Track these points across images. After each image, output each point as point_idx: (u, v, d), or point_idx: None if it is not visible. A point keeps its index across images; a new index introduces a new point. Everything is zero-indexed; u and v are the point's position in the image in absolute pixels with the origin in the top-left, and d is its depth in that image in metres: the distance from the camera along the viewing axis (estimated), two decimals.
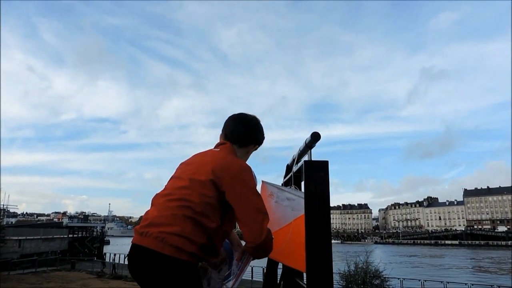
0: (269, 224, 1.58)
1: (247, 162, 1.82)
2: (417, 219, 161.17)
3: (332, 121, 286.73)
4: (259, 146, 1.88)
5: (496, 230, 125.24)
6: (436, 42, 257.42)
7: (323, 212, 1.56)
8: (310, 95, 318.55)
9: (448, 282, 19.03)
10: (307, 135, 1.82)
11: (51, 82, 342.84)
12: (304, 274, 1.67)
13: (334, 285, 1.56)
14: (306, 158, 1.89)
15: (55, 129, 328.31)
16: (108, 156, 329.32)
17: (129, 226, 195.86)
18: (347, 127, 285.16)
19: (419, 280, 19.11)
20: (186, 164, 1.72)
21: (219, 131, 1.87)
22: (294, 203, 1.93)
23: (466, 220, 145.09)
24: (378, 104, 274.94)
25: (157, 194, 1.65)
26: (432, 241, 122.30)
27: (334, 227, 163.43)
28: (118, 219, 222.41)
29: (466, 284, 19.25)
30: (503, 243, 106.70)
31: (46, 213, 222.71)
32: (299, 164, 2.01)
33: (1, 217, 39.76)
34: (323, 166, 1.62)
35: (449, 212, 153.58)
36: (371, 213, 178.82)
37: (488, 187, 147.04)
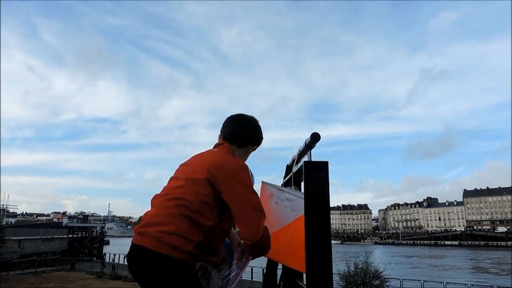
0: (269, 225, 1.58)
1: (246, 162, 1.83)
2: (416, 219, 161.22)
3: (332, 121, 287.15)
4: (257, 146, 1.88)
5: (495, 231, 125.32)
6: (436, 42, 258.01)
7: (323, 212, 1.57)
8: (310, 95, 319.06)
9: (448, 283, 19.06)
10: (307, 135, 1.83)
11: (51, 82, 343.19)
12: (304, 275, 1.67)
13: (334, 286, 1.56)
14: (306, 158, 1.89)
15: (55, 129, 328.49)
16: (108, 156, 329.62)
17: (128, 226, 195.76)
18: (347, 127, 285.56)
19: (419, 280, 19.14)
20: (185, 165, 1.73)
21: (219, 131, 1.87)
22: (294, 203, 1.93)
23: (466, 220, 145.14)
24: (378, 104, 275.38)
25: (156, 195, 1.67)
26: (432, 242, 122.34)
27: (334, 227, 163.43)
28: (117, 219, 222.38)
29: (466, 284, 19.27)
30: (503, 243, 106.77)
31: (45, 213, 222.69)
32: (299, 164, 2.01)
33: (1, 217, 39.69)
34: (323, 166, 1.63)
35: (448, 213, 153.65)
36: (370, 213, 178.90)
37: (487, 187, 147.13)
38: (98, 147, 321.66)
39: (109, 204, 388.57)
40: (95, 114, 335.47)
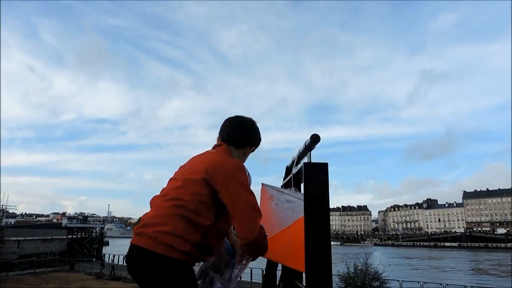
0: (270, 227, 1.59)
1: (246, 163, 1.84)
2: (416, 221, 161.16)
3: (332, 122, 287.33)
4: (255, 148, 1.90)
5: (495, 232, 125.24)
6: (436, 43, 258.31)
7: (322, 213, 1.57)
8: (310, 96, 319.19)
9: (447, 284, 19.02)
10: (307, 137, 1.83)
11: (51, 82, 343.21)
12: (304, 276, 1.67)
13: (333, 287, 1.56)
14: (305, 160, 1.89)
15: (54, 129, 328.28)
16: (108, 157, 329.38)
17: (128, 227, 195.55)
18: (347, 128, 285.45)
19: (418, 282, 19.07)
20: (183, 167, 1.75)
21: (218, 132, 1.88)
22: (294, 205, 1.93)
23: (466, 222, 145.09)
24: (378, 105, 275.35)
25: (154, 196, 1.69)
26: (432, 243, 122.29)
27: (334, 228, 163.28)
28: (117, 220, 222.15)
29: (465, 286, 19.25)
30: (502, 245, 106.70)
31: (45, 214, 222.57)
32: (299, 166, 2.02)
33: (0, 218, 39.71)
34: (322, 168, 1.63)
35: (448, 214, 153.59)
36: (370, 215, 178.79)
37: (487, 189, 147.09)
38: (98, 148, 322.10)
39: (108, 205, 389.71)
40: (95, 114, 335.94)
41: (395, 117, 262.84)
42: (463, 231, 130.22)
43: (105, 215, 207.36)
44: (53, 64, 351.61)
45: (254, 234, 1.52)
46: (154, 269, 1.47)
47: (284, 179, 2.38)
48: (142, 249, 1.50)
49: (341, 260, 18.56)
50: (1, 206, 42.46)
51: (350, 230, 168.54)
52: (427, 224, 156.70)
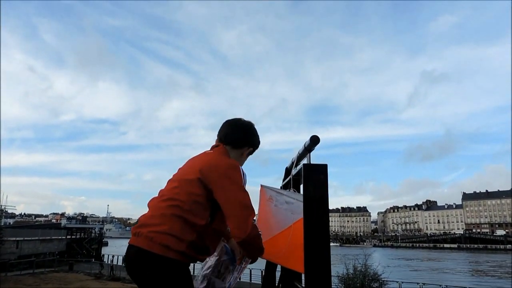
0: (269, 228, 1.59)
1: (245, 164, 1.85)
2: (416, 222, 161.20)
3: (332, 123, 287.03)
4: (253, 149, 1.90)
5: (494, 234, 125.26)
6: (436, 44, 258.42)
7: (322, 214, 1.57)
8: (310, 97, 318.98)
9: (447, 286, 19.03)
10: (306, 138, 1.84)
11: (51, 82, 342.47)
12: (303, 277, 1.67)
13: None
14: (305, 161, 1.90)
15: (54, 129, 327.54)
16: (108, 157, 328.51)
17: (127, 228, 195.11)
18: (347, 129, 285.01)
19: (418, 283, 19.11)
20: (181, 168, 1.78)
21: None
22: (293, 206, 1.94)
23: (465, 223, 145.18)
24: (378, 107, 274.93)
25: (152, 198, 1.72)
26: (431, 245, 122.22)
27: (333, 230, 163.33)
28: (116, 220, 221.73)
29: (465, 287, 19.26)
30: (502, 246, 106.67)
31: (44, 214, 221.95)
32: (298, 167, 2.02)
33: None
34: (322, 169, 1.64)
35: (448, 216, 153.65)
36: (370, 216, 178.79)
37: (487, 190, 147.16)
38: (97, 148, 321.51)
39: (108, 205, 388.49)
40: (95, 115, 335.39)
41: (395, 118, 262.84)
42: (462, 233, 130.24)
43: (105, 215, 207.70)
44: (53, 64, 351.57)
45: (246, 232, 1.53)
46: (151, 269, 1.49)
47: (283, 180, 2.38)
48: (139, 249, 1.53)
49: (341, 261, 18.55)
50: (0, 206, 42.38)
51: (349, 231, 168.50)
52: (427, 226, 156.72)
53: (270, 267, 2.34)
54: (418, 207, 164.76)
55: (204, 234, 1.58)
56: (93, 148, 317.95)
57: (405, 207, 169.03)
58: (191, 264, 1.63)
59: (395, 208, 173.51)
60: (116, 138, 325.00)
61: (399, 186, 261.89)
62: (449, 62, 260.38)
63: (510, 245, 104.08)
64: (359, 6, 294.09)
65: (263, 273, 2.50)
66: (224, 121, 1.92)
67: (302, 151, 1.93)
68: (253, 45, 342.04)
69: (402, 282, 18.79)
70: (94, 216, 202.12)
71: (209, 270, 1.75)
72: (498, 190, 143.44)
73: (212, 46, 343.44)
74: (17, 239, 35.33)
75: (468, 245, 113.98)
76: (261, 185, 2.25)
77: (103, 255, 44.04)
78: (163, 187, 1.74)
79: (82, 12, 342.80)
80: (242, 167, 1.79)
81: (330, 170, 1.63)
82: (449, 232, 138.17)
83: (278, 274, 2.39)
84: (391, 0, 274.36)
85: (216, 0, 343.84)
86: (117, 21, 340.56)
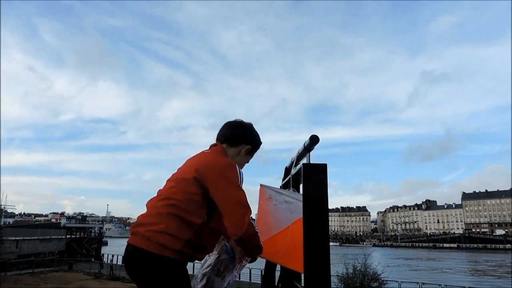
0: (268, 228, 1.59)
1: (246, 165, 1.85)
2: (415, 222, 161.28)
3: (332, 123, 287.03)
4: (252, 148, 1.87)
5: (494, 234, 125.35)
6: (436, 44, 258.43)
7: (321, 214, 1.57)
8: (310, 97, 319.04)
9: (446, 285, 19.02)
10: (306, 137, 1.84)
11: (51, 82, 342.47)
12: (302, 277, 1.67)
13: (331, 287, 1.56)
14: (304, 161, 1.89)
15: (54, 129, 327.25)
16: (107, 157, 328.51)
17: (127, 227, 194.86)
18: (347, 129, 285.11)
19: (417, 283, 19.09)
20: (180, 168, 1.79)
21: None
22: (293, 206, 1.94)
23: (465, 223, 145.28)
24: (378, 107, 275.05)
25: (151, 198, 1.73)
26: (431, 244, 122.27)
27: (333, 229, 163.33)
28: (116, 220, 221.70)
29: (465, 287, 19.27)
30: (501, 246, 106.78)
31: (44, 214, 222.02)
32: (298, 166, 2.02)
33: None
34: (321, 169, 1.64)
35: (447, 215, 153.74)
36: (369, 215, 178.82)
37: (486, 190, 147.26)
38: (97, 148, 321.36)
39: (107, 205, 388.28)
40: (94, 114, 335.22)
41: (395, 118, 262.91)
42: (462, 232, 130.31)
43: (104, 215, 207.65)
44: (53, 64, 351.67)
45: (242, 229, 1.54)
46: (148, 268, 1.50)
47: (283, 179, 2.38)
48: (137, 249, 1.54)
49: (340, 260, 18.54)
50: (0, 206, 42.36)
51: (349, 231, 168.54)
52: (426, 225, 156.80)
53: (270, 266, 2.34)
54: (417, 206, 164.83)
55: (201, 232, 1.59)
56: (93, 147, 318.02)
57: (405, 206, 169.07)
58: (191, 263, 1.63)
59: (394, 208, 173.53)
60: (116, 138, 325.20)
61: (399, 186, 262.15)
62: (449, 62, 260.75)
63: (509, 245, 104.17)
64: (359, 6, 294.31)
65: (263, 273, 2.50)
66: (224, 122, 1.93)
67: (302, 150, 1.93)
68: (253, 45, 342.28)
69: (402, 282, 18.79)
70: (93, 215, 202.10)
71: (208, 269, 1.75)
72: (498, 190, 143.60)
73: (212, 46, 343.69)
74: (17, 238, 35.32)
75: (467, 245, 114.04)
76: (261, 185, 2.25)
77: (103, 254, 44.05)
78: (162, 187, 1.75)
79: (82, 12, 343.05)
80: (245, 167, 1.79)
81: (329, 170, 1.63)
82: (449, 232, 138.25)
83: (277, 274, 2.40)
84: (391, 0, 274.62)
85: (216, 0, 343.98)
86: (117, 21, 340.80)
